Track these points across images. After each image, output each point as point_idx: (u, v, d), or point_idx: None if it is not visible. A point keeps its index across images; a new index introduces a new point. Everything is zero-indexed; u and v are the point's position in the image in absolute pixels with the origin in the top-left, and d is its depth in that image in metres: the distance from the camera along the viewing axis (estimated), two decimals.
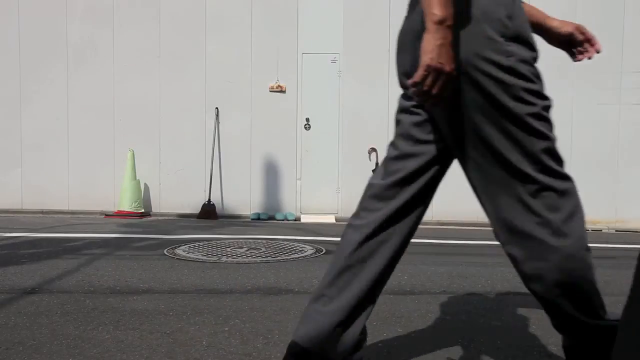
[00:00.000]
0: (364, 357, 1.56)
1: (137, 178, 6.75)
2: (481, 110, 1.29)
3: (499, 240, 1.39)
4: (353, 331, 1.45)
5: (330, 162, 6.94)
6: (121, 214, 6.59)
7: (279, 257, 3.77)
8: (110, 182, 6.99)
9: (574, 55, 1.58)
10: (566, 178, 1.31)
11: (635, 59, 6.70)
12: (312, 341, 1.43)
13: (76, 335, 2.04)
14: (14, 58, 7.02)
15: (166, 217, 6.75)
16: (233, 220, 6.63)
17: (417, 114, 1.44)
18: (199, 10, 6.95)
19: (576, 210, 1.31)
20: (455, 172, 1.41)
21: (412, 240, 5.06)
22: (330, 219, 6.73)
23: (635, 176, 6.70)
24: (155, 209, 7.04)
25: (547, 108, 1.31)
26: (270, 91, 6.97)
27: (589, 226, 6.59)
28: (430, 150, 1.44)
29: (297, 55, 6.93)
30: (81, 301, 2.53)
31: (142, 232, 5.07)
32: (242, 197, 6.99)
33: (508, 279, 3.20)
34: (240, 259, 3.67)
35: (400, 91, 1.51)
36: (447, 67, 1.21)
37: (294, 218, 6.84)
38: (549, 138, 1.29)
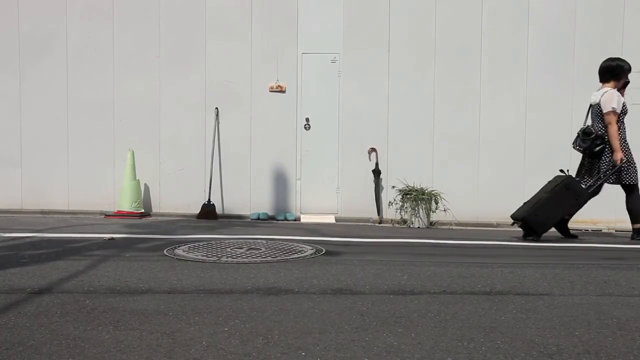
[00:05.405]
0: None
1: (137, 178, 6.75)
2: None
3: None
4: None
5: (330, 162, 6.94)
6: (121, 214, 6.58)
7: (279, 257, 3.76)
8: (110, 182, 6.99)
9: None
10: None
11: (635, 59, 6.69)
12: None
13: (76, 336, 2.04)
14: (14, 57, 7.02)
15: (166, 217, 6.74)
16: (233, 220, 6.63)
17: None
18: (199, 10, 6.95)
19: None
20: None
21: (412, 240, 5.04)
22: (330, 219, 6.73)
23: None
24: (155, 209, 7.04)
25: None
26: (270, 91, 6.97)
27: (589, 226, 6.58)
28: None
29: (297, 55, 6.93)
30: (81, 301, 2.53)
31: (142, 233, 5.06)
32: (242, 197, 6.99)
33: (508, 279, 3.19)
34: (240, 259, 3.67)
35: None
36: None
37: (293, 218, 6.84)
38: None
